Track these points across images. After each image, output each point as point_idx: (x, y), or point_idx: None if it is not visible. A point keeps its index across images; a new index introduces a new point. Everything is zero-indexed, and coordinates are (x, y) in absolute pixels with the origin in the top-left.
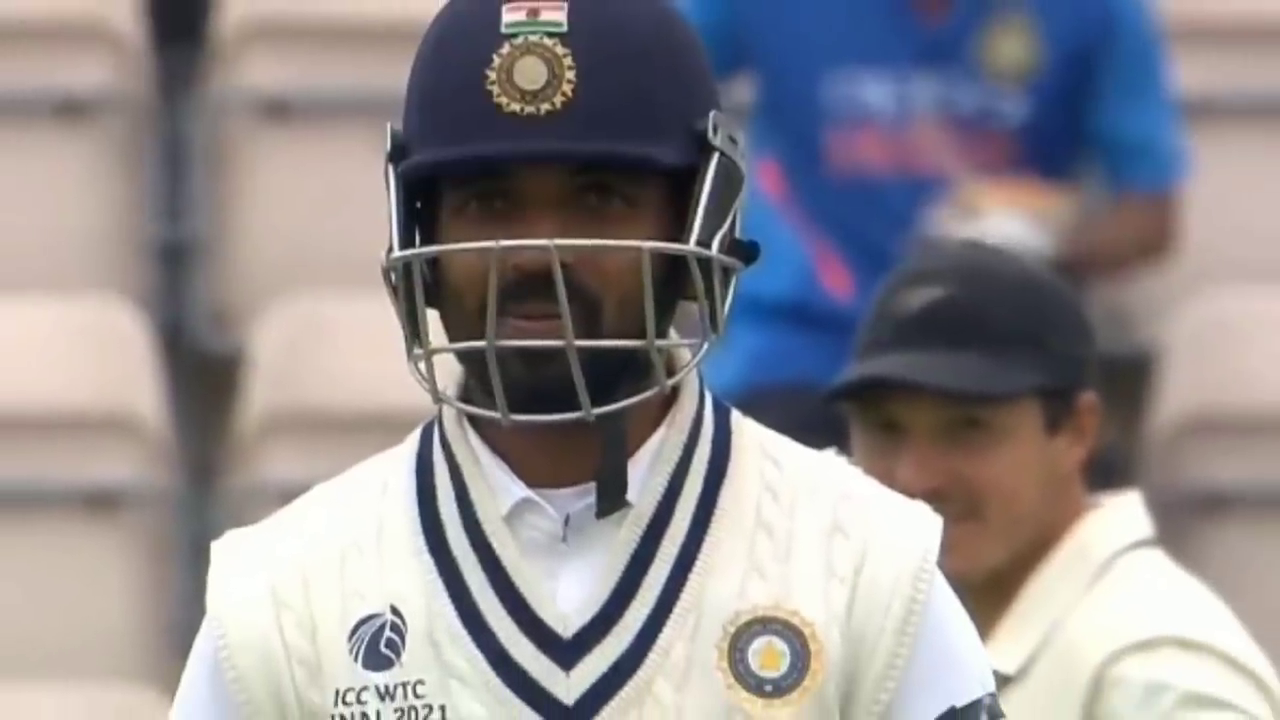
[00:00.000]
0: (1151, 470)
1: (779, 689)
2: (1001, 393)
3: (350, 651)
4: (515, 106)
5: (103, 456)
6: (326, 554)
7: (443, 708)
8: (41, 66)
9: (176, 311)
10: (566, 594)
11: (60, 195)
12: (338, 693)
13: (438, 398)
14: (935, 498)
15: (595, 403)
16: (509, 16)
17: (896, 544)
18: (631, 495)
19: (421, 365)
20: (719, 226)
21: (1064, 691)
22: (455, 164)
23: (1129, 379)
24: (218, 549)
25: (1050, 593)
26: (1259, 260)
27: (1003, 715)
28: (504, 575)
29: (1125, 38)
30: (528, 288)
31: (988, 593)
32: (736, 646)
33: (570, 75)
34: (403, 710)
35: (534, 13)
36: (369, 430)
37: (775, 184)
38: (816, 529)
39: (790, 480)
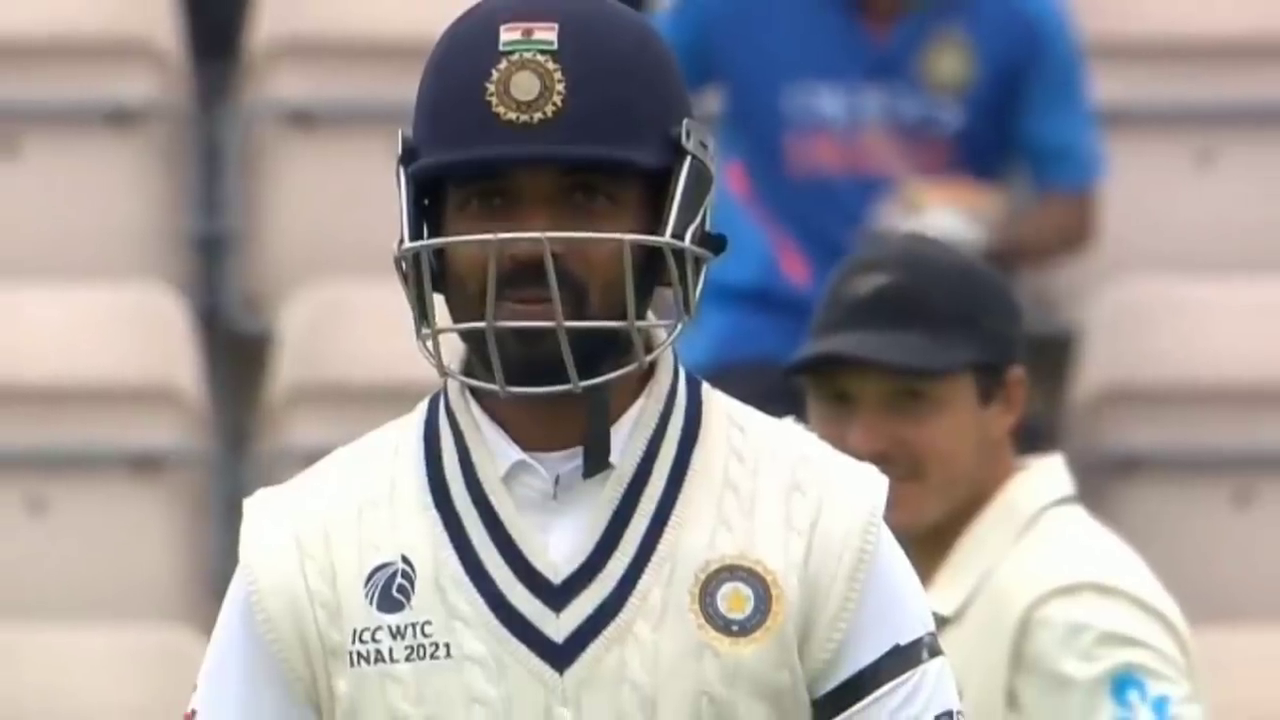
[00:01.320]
0: (1072, 436)
1: (744, 629)
2: (940, 368)
3: (366, 596)
4: (511, 115)
5: (148, 424)
6: (345, 509)
7: (447, 645)
8: (94, 80)
9: (213, 296)
10: (557, 545)
11: (111, 194)
12: (355, 632)
13: (443, 372)
14: (881, 460)
15: (582, 376)
16: (506, 36)
17: (847, 501)
18: (614, 458)
19: (429, 343)
20: (691, 221)
21: (995, 631)
22: (459, 166)
23: (1053, 355)
24: (249, 505)
25: (983, 544)
26: (1167, 251)
27: (941, 652)
28: (501, 528)
29: (1049, 55)
30: (522, 275)
31: (928, 544)
32: (707, 591)
33: (560, 88)
34: (412, 648)
35: (528, 32)
36: (383, 401)
37: (741, 184)
38: (777, 488)
39: (754, 445)
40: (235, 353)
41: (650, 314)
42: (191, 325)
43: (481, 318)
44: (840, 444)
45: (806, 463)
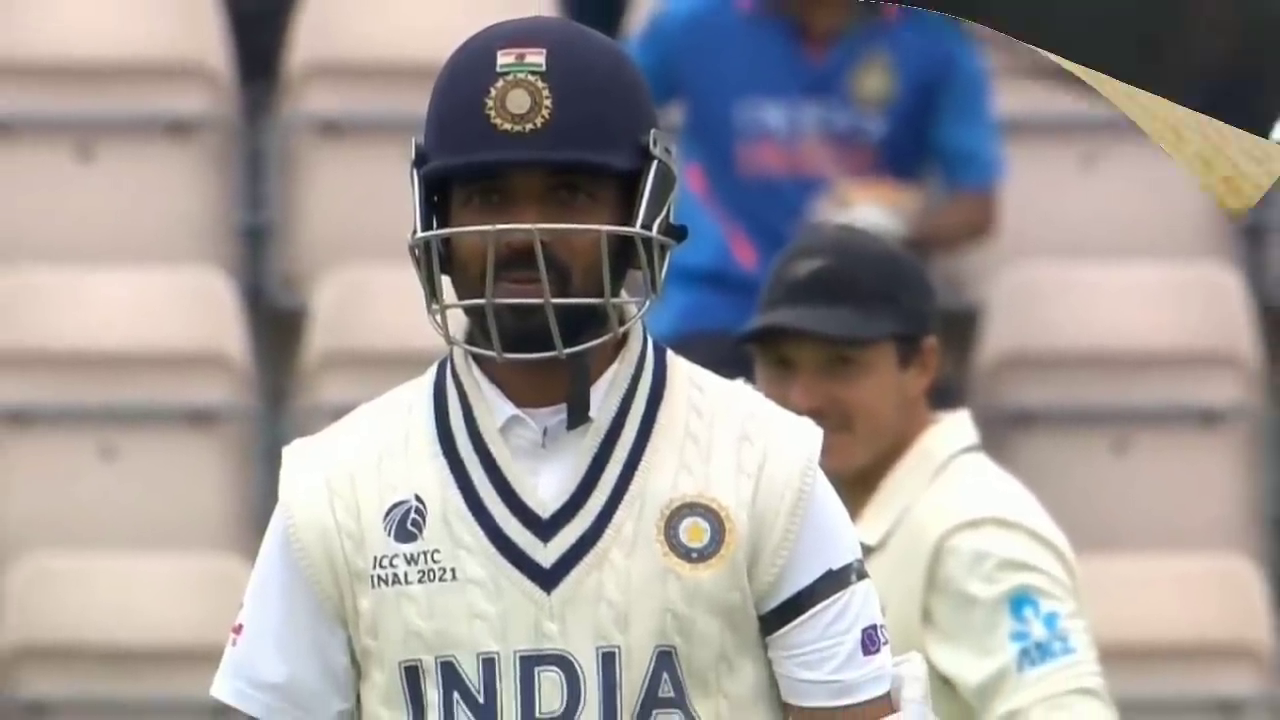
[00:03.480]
0: (977, 395)
1: (702, 556)
2: (867, 337)
3: (385, 528)
4: (507, 126)
5: (201, 385)
6: (368, 456)
7: (453, 569)
8: (156, 97)
9: (256, 277)
10: (545, 486)
11: (170, 192)
12: (375, 559)
13: (450, 341)
14: (817, 415)
15: (566, 344)
16: (502, 59)
17: (788, 449)
18: (593, 413)
19: (438, 317)
20: (658, 214)
21: (912, 558)
22: (462, 169)
23: (961, 327)
24: (287, 453)
25: (902, 484)
26: (1056, 240)
27: (867, 576)
28: (499, 472)
29: (960, 74)
30: (516, 260)
31: (856, 485)
32: (670, 525)
33: (548, 103)
34: (424, 572)
35: (521, 56)
36: (399, 365)
37: (699, 183)
38: (729, 438)
39: (710, 402)
40: (275, 325)
41: (623, 292)
42: (238, 302)
43: (482, 295)
44: (783, 402)
45: (754, 417)
